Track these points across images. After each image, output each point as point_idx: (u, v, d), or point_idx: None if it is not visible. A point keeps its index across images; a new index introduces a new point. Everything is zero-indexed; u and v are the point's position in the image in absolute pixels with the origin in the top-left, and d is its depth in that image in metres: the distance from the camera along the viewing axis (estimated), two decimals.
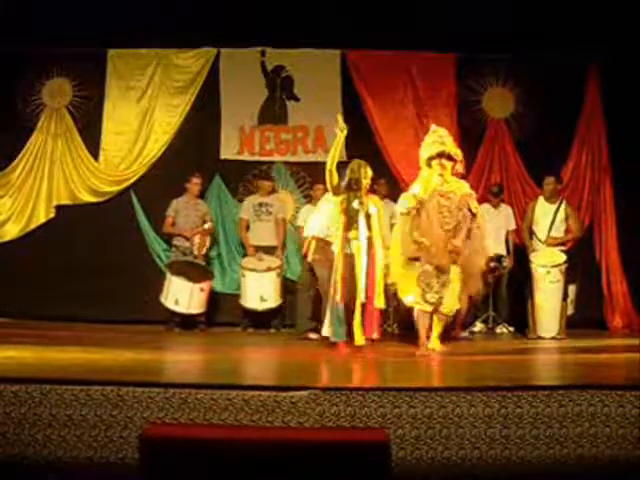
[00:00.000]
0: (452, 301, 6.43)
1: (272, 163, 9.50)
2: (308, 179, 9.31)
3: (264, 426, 4.09)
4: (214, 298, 8.96)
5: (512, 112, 9.52)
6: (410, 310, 6.63)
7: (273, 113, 9.55)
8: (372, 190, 7.07)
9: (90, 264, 9.10)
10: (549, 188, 8.40)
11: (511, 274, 8.75)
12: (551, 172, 8.64)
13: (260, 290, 8.50)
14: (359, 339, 6.25)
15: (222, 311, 9.23)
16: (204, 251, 8.79)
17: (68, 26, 8.56)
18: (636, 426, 4.19)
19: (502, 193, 9.03)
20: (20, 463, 4.08)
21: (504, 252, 8.72)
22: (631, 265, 9.15)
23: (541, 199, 8.48)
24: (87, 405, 4.16)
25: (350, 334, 6.43)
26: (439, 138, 6.48)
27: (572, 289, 8.44)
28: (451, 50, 9.26)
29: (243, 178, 9.50)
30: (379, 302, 6.44)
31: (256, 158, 9.52)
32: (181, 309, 8.41)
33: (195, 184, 8.92)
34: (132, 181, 9.42)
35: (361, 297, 6.27)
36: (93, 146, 9.46)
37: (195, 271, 8.53)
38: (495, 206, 8.79)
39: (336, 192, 6.51)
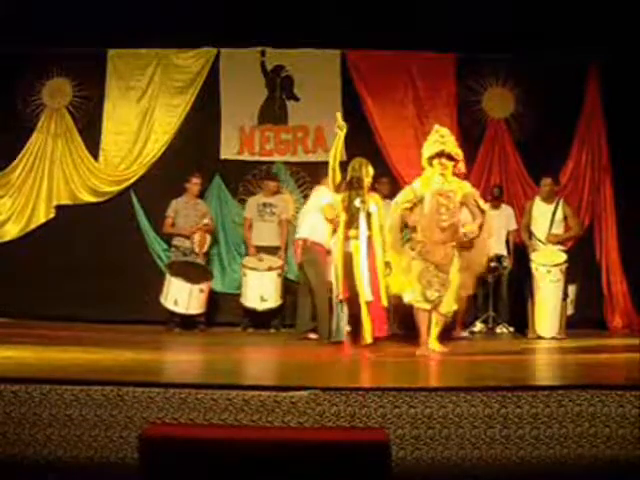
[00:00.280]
0: (450, 301, 6.44)
1: (272, 163, 9.51)
2: (308, 179, 9.30)
3: (264, 426, 4.09)
4: (214, 298, 8.97)
5: (512, 112, 9.53)
6: (410, 310, 6.62)
7: (273, 113, 9.56)
8: (373, 189, 7.07)
9: (90, 264, 9.11)
10: (546, 189, 8.39)
11: (511, 274, 8.76)
12: (551, 172, 8.64)
13: (261, 290, 8.50)
14: (368, 338, 6.24)
15: (222, 311, 9.23)
16: (205, 249, 8.79)
17: (68, 26, 8.56)
18: (636, 426, 4.19)
19: (502, 194, 9.04)
20: (20, 463, 4.08)
21: (504, 252, 8.73)
22: (631, 265, 9.15)
23: (538, 199, 8.47)
24: (87, 405, 4.15)
25: (353, 333, 6.42)
26: (440, 138, 6.50)
27: (572, 289, 8.44)
28: (451, 50, 9.27)
29: (243, 178, 9.51)
30: (384, 300, 6.43)
31: (256, 158, 9.52)
32: (180, 310, 8.41)
33: (195, 184, 8.92)
34: (132, 181, 9.43)
35: (366, 296, 6.24)
36: (93, 146, 9.46)
37: (195, 271, 8.53)
38: (496, 207, 8.79)
39: (338, 190, 6.52)
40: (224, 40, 9.26)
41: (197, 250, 8.67)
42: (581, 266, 8.73)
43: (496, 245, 8.28)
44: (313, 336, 7.81)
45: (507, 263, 8.67)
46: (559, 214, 8.31)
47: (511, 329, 8.71)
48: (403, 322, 8.04)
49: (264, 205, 8.91)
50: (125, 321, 8.80)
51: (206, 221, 8.78)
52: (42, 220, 9.43)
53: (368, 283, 6.26)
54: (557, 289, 8.04)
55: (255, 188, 9.36)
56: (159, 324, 8.61)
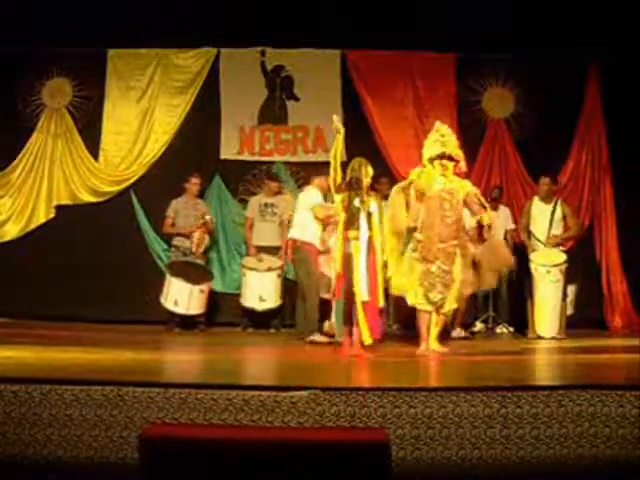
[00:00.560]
0: (452, 300, 6.44)
1: (272, 163, 9.51)
2: (308, 179, 9.28)
3: (264, 426, 4.09)
4: (214, 298, 8.97)
5: (512, 112, 9.54)
6: (410, 309, 6.62)
7: (273, 113, 9.56)
8: (373, 189, 7.07)
9: (90, 264, 9.11)
10: (544, 189, 8.39)
11: (511, 274, 8.74)
12: (550, 172, 8.64)
13: (260, 290, 8.50)
14: (367, 339, 6.23)
15: (222, 311, 9.24)
16: (202, 248, 8.77)
17: (68, 26, 8.57)
18: (636, 426, 4.19)
19: (502, 196, 9.04)
20: (20, 463, 4.07)
21: None
22: (631, 265, 9.15)
23: (536, 199, 8.47)
24: (87, 405, 4.15)
25: (350, 334, 6.41)
26: (441, 137, 6.47)
27: (572, 289, 8.45)
28: (451, 50, 9.27)
29: (243, 178, 9.51)
30: (380, 301, 6.43)
31: (256, 158, 9.53)
32: (181, 310, 8.41)
33: (194, 184, 8.92)
34: (132, 181, 9.43)
35: (362, 296, 6.24)
36: (93, 146, 9.47)
37: (195, 272, 8.53)
38: (494, 208, 8.76)
39: (338, 191, 6.51)
40: (224, 40, 9.27)
41: (194, 249, 8.66)
42: (581, 266, 8.73)
43: None
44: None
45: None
46: (558, 213, 8.31)
47: (511, 329, 8.72)
48: (403, 322, 8.06)
49: (265, 205, 8.91)
50: (125, 321, 8.81)
51: (207, 217, 8.76)
52: (42, 220, 9.43)
53: (366, 284, 6.25)
54: (557, 289, 8.04)
55: (255, 188, 9.36)
56: (159, 324, 8.61)
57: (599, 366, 5.92)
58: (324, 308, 7.89)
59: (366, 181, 6.49)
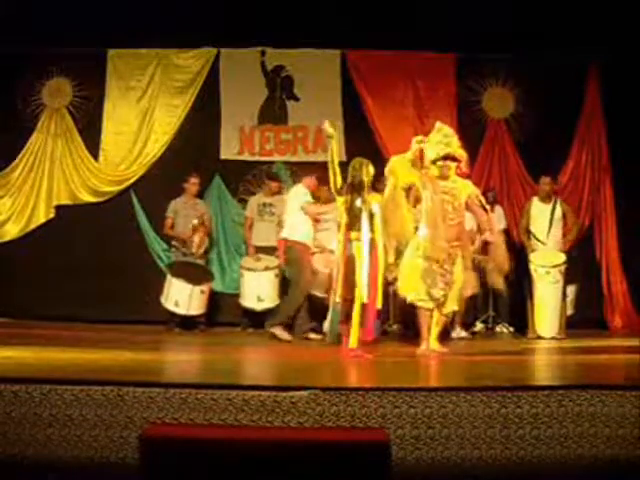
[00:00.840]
0: (453, 301, 6.44)
1: (272, 163, 9.50)
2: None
3: (264, 426, 4.09)
4: (214, 298, 8.96)
5: (512, 112, 9.53)
6: (410, 309, 6.62)
7: (273, 113, 9.56)
8: (374, 188, 7.05)
9: (90, 264, 9.11)
10: (546, 188, 8.39)
11: (510, 274, 8.74)
12: (551, 172, 8.64)
13: (258, 290, 8.48)
14: (354, 341, 6.21)
15: (222, 311, 9.23)
16: (203, 249, 8.78)
17: (68, 26, 8.56)
18: (636, 426, 4.19)
19: (496, 199, 9.01)
20: (20, 463, 4.07)
21: None
22: (631, 265, 9.15)
23: (535, 200, 8.47)
24: (87, 405, 4.15)
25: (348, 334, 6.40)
26: (444, 138, 6.42)
27: (572, 289, 8.45)
28: (451, 50, 9.27)
29: (243, 178, 9.51)
30: (378, 303, 6.41)
31: (256, 158, 9.52)
32: (181, 311, 8.41)
33: (193, 184, 8.92)
34: (132, 181, 9.43)
35: (362, 298, 6.22)
36: (93, 146, 9.46)
37: (195, 272, 8.52)
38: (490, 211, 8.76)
39: (339, 192, 6.50)
40: (224, 40, 9.26)
41: (194, 250, 8.66)
42: (581, 266, 8.73)
43: None
44: (313, 336, 7.81)
45: None
46: (558, 213, 8.32)
47: (511, 329, 8.72)
48: (403, 322, 8.06)
49: (264, 205, 8.90)
50: (125, 321, 8.80)
51: (195, 222, 8.73)
52: (42, 220, 9.43)
53: (366, 285, 6.22)
54: (556, 290, 8.04)
55: (255, 188, 9.36)
56: (159, 324, 8.60)
57: (599, 366, 5.93)
58: (323, 307, 7.92)
59: (367, 180, 6.47)
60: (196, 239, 8.67)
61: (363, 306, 6.20)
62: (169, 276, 8.46)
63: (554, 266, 8.05)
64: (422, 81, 9.49)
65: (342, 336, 6.45)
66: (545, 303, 8.03)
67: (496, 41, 8.73)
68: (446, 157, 6.36)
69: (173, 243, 8.85)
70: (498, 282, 6.76)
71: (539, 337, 8.01)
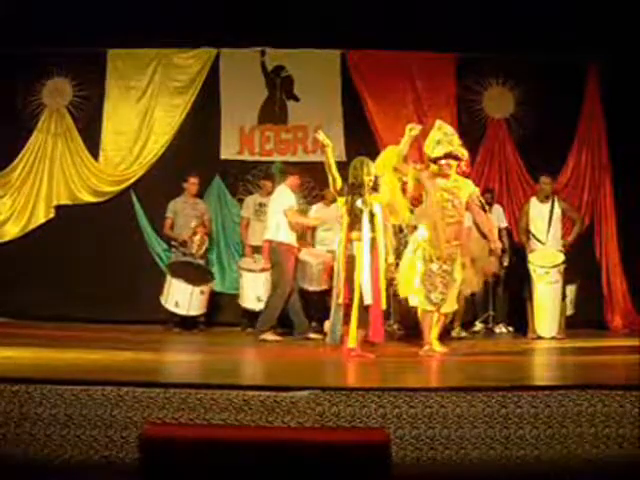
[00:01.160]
0: (452, 301, 6.44)
1: (272, 163, 9.50)
2: (308, 179, 9.30)
3: (264, 426, 4.09)
4: (214, 298, 8.96)
5: (512, 112, 9.53)
6: (410, 309, 6.61)
7: (273, 113, 9.56)
8: (374, 188, 7.04)
9: (90, 264, 9.11)
10: (546, 188, 8.37)
11: (510, 274, 8.75)
12: (551, 172, 8.64)
13: (256, 290, 8.47)
14: (352, 341, 6.20)
15: (222, 311, 9.24)
16: (203, 249, 8.78)
17: (68, 26, 8.57)
18: (636, 426, 4.19)
19: (494, 199, 9.00)
20: (20, 463, 4.07)
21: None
22: (631, 265, 9.14)
23: (533, 200, 8.45)
24: (87, 405, 4.15)
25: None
26: (445, 137, 6.39)
27: (572, 289, 8.44)
28: (451, 50, 9.26)
29: (243, 178, 9.51)
30: (383, 304, 6.36)
31: (256, 158, 9.52)
32: (181, 311, 8.41)
33: (192, 184, 8.92)
34: (132, 181, 9.43)
35: (367, 300, 6.19)
36: (93, 146, 9.46)
37: (195, 273, 8.52)
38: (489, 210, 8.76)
39: (341, 194, 6.50)
40: (224, 40, 9.26)
41: (194, 250, 8.66)
42: (581, 266, 8.73)
43: None
44: (314, 336, 7.81)
45: (507, 262, 8.67)
46: (557, 211, 8.31)
47: (511, 329, 8.73)
48: (403, 322, 8.06)
49: (260, 205, 8.89)
50: (125, 321, 8.80)
51: (193, 224, 8.73)
52: (42, 220, 9.43)
53: (369, 286, 6.21)
54: (556, 290, 8.03)
55: (255, 188, 9.36)
56: (159, 324, 8.61)
57: (599, 366, 5.93)
58: (318, 303, 7.95)
59: (367, 180, 6.44)
60: (196, 239, 8.67)
61: (366, 307, 6.18)
62: (169, 276, 8.45)
63: (553, 266, 8.04)
64: (422, 81, 9.49)
65: (344, 337, 6.44)
66: (545, 303, 8.03)
67: (496, 41, 8.73)
68: (448, 155, 6.34)
69: (173, 243, 8.85)
70: (472, 283, 6.72)
71: (539, 337, 8.00)
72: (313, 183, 9.27)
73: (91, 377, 4.54)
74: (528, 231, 8.38)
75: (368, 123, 9.42)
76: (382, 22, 8.69)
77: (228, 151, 9.50)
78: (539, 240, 8.29)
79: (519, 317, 8.50)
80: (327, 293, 8.35)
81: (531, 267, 8.12)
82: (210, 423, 4.09)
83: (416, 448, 4.11)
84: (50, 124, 9.49)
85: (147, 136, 9.47)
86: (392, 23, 8.70)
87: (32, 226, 9.42)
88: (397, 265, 6.56)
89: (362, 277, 6.17)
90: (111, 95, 9.49)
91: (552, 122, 9.18)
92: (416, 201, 6.57)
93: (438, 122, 6.61)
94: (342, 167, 6.74)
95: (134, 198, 9.40)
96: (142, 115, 9.48)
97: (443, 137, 6.38)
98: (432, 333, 6.45)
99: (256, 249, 8.75)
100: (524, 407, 4.20)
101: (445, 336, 6.88)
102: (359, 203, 6.33)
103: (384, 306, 6.36)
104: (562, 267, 8.06)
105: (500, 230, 8.86)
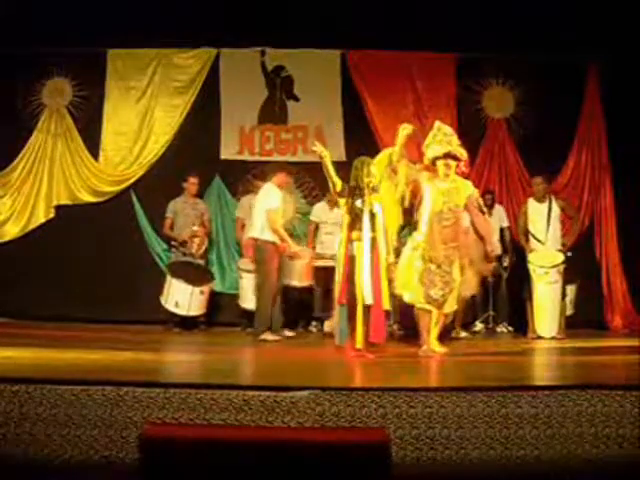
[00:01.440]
0: (452, 302, 6.43)
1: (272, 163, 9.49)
2: (308, 179, 9.30)
3: (264, 426, 4.09)
4: (214, 298, 8.96)
5: (512, 112, 9.54)
6: (410, 309, 6.61)
7: (273, 113, 9.56)
8: (374, 189, 7.04)
9: (90, 264, 9.11)
10: (539, 188, 8.36)
11: (510, 274, 8.75)
12: (548, 172, 8.64)
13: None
14: (360, 341, 6.20)
15: (222, 311, 9.23)
16: (203, 250, 8.79)
17: (68, 26, 8.57)
18: (636, 426, 4.19)
19: (494, 201, 9.00)
20: (20, 463, 4.07)
21: (501, 252, 8.71)
22: (631, 265, 9.15)
23: (531, 200, 8.45)
24: (87, 405, 4.15)
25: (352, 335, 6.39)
26: (444, 137, 6.41)
27: (572, 289, 8.44)
28: (451, 50, 9.26)
29: (243, 178, 9.50)
30: (386, 304, 6.36)
31: (256, 158, 9.52)
32: (181, 311, 8.40)
33: (192, 184, 8.92)
34: (132, 181, 9.43)
35: (368, 300, 6.19)
36: (93, 146, 9.46)
37: (195, 273, 8.52)
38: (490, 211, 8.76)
39: (341, 195, 6.50)
40: (224, 40, 9.26)
41: (194, 250, 8.66)
42: (581, 266, 8.72)
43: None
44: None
45: (507, 262, 8.67)
46: (555, 210, 8.30)
47: (511, 329, 8.72)
48: (403, 322, 8.05)
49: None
50: (125, 321, 8.80)
51: (195, 228, 8.73)
52: (42, 220, 9.43)
53: (370, 286, 6.20)
54: (555, 290, 8.03)
55: (255, 188, 9.35)
56: (159, 324, 8.60)
57: (599, 366, 5.92)
58: (299, 299, 8.00)
59: (367, 180, 6.44)
60: (196, 240, 8.68)
61: (367, 307, 6.18)
62: (169, 277, 8.45)
63: (553, 266, 8.05)
64: (422, 81, 9.49)
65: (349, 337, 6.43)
66: (544, 303, 8.03)
67: (496, 41, 8.73)
68: (447, 155, 6.35)
69: (173, 243, 8.85)
70: (472, 285, 6.71)
71: (539, 337, 8.00)
72: (313, 183, 9.29)
73: (91, 377, 4.54)
74: (527, 231, 8.38)
75: (368, 123, 9.42)
76: (382, 22, 8.69)
77: (228, 151, 9.50)
78: (539, 240, 8.29)
79: (519, 317, 8.49)
80: (310, 290, 8.43)
81: (531, 267, 8.12)
82: (210, 423, 4.09)
83: (416, 448, 4.11)
84: (50, 124, 9.49)
85: (147, 136, 9.47)
86: (392, 23, 8.70)
87: (32, 226, 9.43)
88: (397, 264, 6.56)
89: (362, 277, 6.16)
90: (111, 95, 9.49)
91: (552, 122, 9.18)
92: (414, 199, 6.56)
93: (437, 123, 6.64)
94: (342, 167, 6.73)
95: (134, 198, 9.40)
96: (142, 115, 9.49)
97: (443, 137, 6.41)
98: (432, 334, 6.44)
99: None
100: (524, 407, 4.20)
101: (445, 336, 6.87)
102: (359, 203, 6.33)
103: (388, 306, 6.34)
104: (562, 267, 8.06)
105: (502, 230, 8.88)
